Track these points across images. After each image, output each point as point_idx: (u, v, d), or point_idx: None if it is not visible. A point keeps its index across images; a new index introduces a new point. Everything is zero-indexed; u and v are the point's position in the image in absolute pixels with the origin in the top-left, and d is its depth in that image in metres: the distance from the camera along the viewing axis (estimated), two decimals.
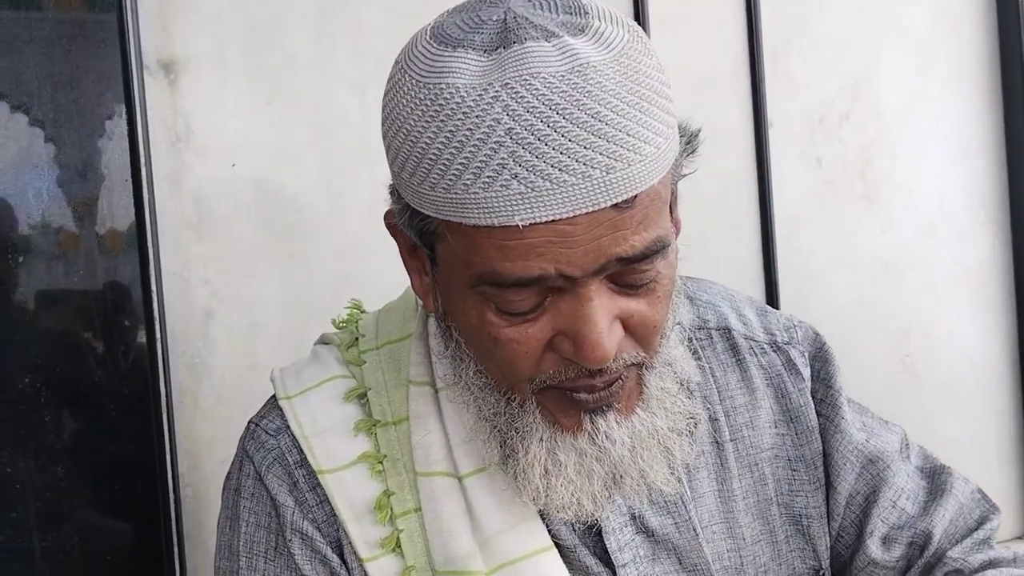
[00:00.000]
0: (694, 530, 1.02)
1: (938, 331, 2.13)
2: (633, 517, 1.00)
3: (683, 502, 1.02)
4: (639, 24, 1.78)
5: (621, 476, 0.92)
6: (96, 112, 1.48)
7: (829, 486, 1.09)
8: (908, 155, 2.11)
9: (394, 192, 0.93)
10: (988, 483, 2.18)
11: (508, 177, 0.80)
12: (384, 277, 1.62)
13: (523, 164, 0.80)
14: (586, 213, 0.81)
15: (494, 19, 0.85)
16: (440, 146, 0.82)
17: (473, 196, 0.81)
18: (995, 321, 2.19)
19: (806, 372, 1.10)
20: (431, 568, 0.96)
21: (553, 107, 0.80)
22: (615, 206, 0.82)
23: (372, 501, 0.97)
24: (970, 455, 2.17)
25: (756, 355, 1.09)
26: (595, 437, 0.90)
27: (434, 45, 0.85)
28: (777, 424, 1.08)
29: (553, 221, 0.81)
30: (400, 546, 0.97)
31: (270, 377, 1.07)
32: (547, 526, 0.97)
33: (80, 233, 1.48)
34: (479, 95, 0.81)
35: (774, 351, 1.10)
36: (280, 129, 1.58)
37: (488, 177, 0.81)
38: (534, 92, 0.80)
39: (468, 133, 0.81)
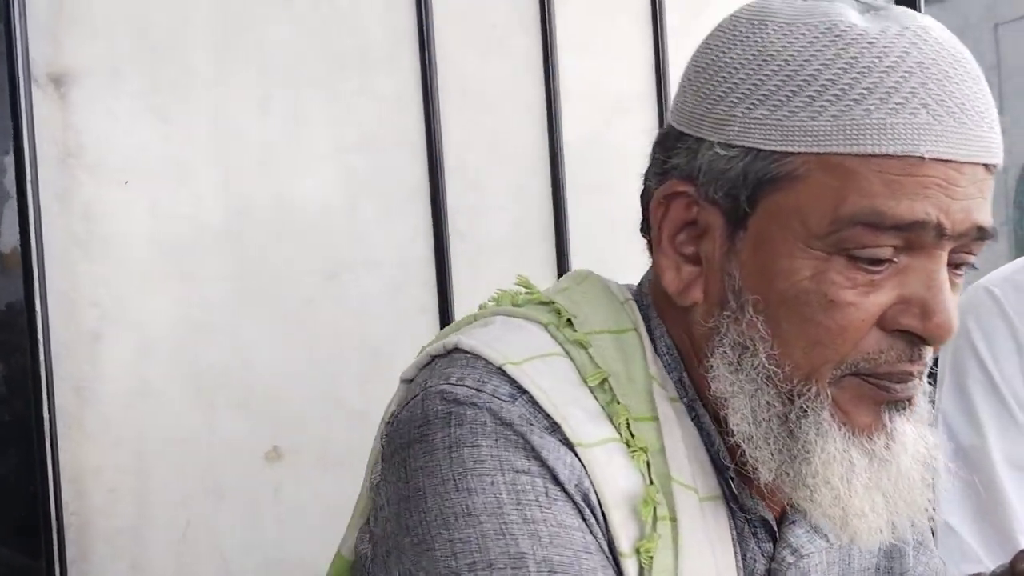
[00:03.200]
0: None
1: None
2: None
3: None
4: (547, 44, 1.79)
5: (899, 493, 0.85)
6: None
7: None
8: None
9: (669, 163, 0.88)
10: None
11: (918, 105, 0.80)
12: (284, 296, 1.60)
13: (933, 96, 0.80)
14: (971, 164, 0.81)
15: None
16: (837, 73, 0.80)
17: (876, 121, 0.79)
18: None
19: None
20: None
21: (951, 55, 0.82)
22: (986, 168, 0.83)
23: (633, 491, 0.84)
24: None
25: None
26: (891, 439, 0.84)
27: (798, 2, 0.86)
28: None
29: (948, 161, 0.80)
30: (651, 556, 0.84)
31: (455, 343, 0.89)
32: None
33: None
34: (882, 30, 0.82)
35: None
36: (176, 145, 1.54)
37: (896, 103, 0.79)
38: (935, 38, 0.82)
39: (875, 60, 0.80)
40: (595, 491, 0.83)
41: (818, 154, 0.81)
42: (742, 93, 0.84)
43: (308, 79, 1.63)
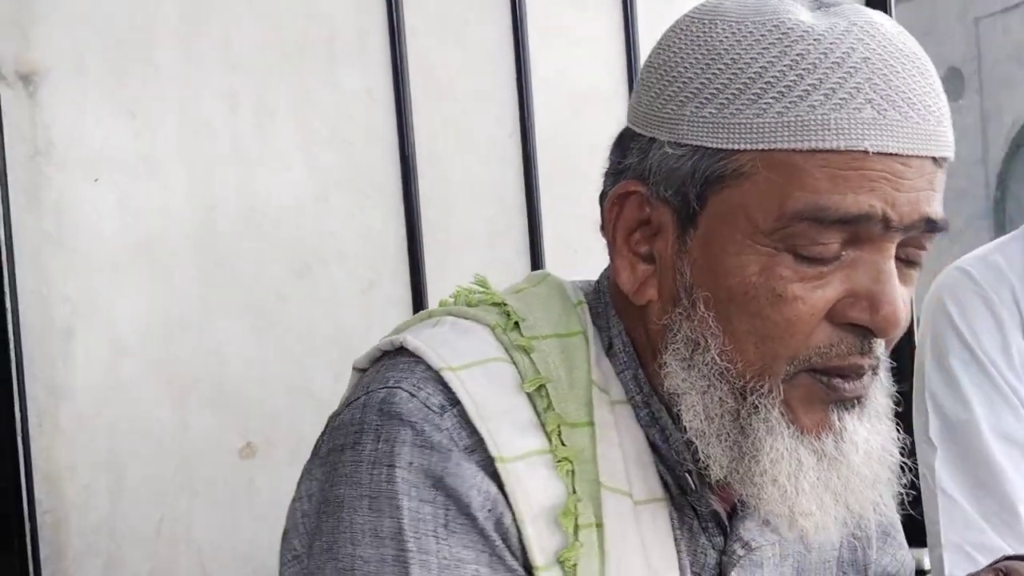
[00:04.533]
0: None
1: None
2: None
3: None
4: (517, 35, 1.79)
5: (850, 491, 0.86)
6: None
7: None
8: None
9: (623, 163, 0.89)
10: None
11: (863, 101, 0.81)
12: (255, 290, 1.60)
13: (879, 91, 0.81)
14: (918, 157, 0.82)
15: None
16: (782, 70, 0.81)
17: (820, 117, 0.80)
18: None
19: None
20: None
21: (899, 50, 0.83)
22: (935, 161, 0.83)
23: (553, 503, 0.85)
24: None
25: None
26: (840, 438, 0.84)
27: (750, 0, 0.86)
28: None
29: (894, 155, 0.81)
30: (575, 564, 0.85)
31: (401, 343, 0.91)
32: None
33: None
34: (829, 27, 0.82)
35: None
36: (145, 140, 1.54)
37: (841, 99, 0.80)
38: (883, 33, 0.83)
39: (821, 56, 0.81)
40: (511, 509, 0.84)
41: (764, 151, 0.82)
42: (691, 92, 0.85)
43: (276, 73, 1.63)
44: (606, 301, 0.95)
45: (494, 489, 0.84)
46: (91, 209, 1.50)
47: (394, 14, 1.70)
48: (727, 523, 0.94)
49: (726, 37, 0.84)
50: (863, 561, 1.07)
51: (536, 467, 0.85)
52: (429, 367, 0.88)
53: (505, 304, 0.94)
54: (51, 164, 1.48)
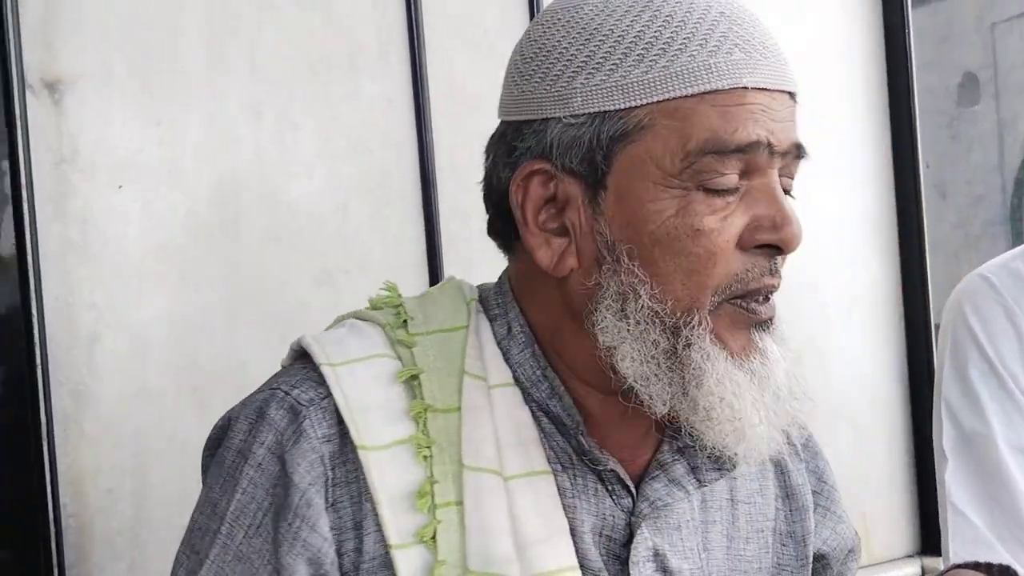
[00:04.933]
0: None
1: (829, 352, 2.18)
2: (656, 553, 1.00)
3: (697, 550, 1.03)
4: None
5: (779, 405, 0.94)
6: None
7: (819, 572, 1.14)
8: (799, 182, 2.15)
9: (518, 150, 0.96)
10: (879, 500, 2.24)
11: (731, 46, 0.92)
12: (278, 298, 1.61)
13: (740, 38, 0.92)
14: (781, 91, 0.93)
15: None
16: (658, 30, 0.92)
17: (702, 63, 0.91)
18: (884, 341, 2.25)
19: (803, 455, 1.15)
20: (463, 566, 0.92)
21: (740, 3, 0.95)
22: (791, 96, 0.95)
23: (413, 487, 0.94)
24: (862, 473, 2.21)
25: None
26: (765, 357, 0.94)
27: None
28: (777, 498, 1.11)
29: (765, 90, 0.92)
30: (435, 538, 0.93)
31: (300, 343, 1.01)
32: (577, 547, 0.96)
33: None
34: None
35: None
36: (170, 149, 1.55)
37: (714, 46, 0.91)
38: None
39: (687, 14, 0.92)
40: (364, 492, 0.93)
41: (658, 102, 0.91)
42: (578, 66, 0.93)
43: (299, 83, 1.65)
44: (506, 291, 1.02)
45: (341, 473, 0.93)
46: (116, 217, 1.52)
47: (414, 24, 1.72)
48: (630, 483, 0.99)
49: (597, 13, 0.94)
50: (801, 532, 1.11)
51: (400, 455, 0.94)
52: (311, 362, 0.98)
53: (401, 305, 1.03)
54: (76, 172, 1.50)
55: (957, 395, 1.50)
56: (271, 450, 0.94)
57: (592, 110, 0.92)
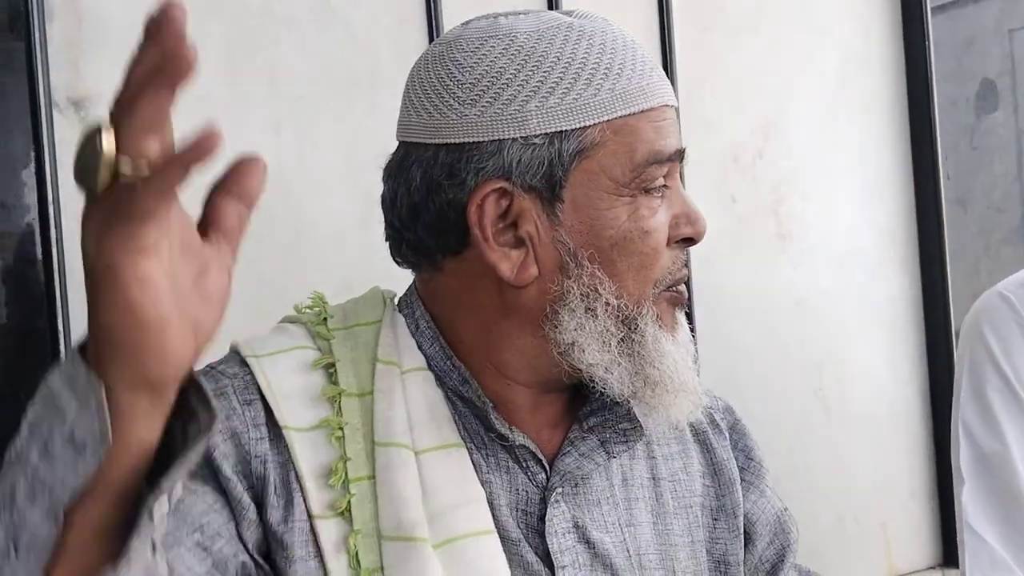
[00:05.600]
0: (628, 551, 1.08)
1: (850, 365, 2.18)
2: (576, 525, 1.06)
3: (620, 525, 1.09)
4: None
5: (697, 372, 1.07)
6: (3, 151, 1.45)
7: (748, 542, 1.19)
8: (820, 193, 2.16)
9: (465, 171, 1.02)
10: (900, 514, 2.23)
11: (649, 69, 1.04)
12: None
13: (646, 63, 1.05)
14: (673, 106, 1.06)
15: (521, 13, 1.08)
16: (596, 57, 1.02)
17: (636, 86, 1.03)
18: (905, 354, 2.24)
19: (727, 433, 1.22)
20: (377, 534, 0.99)
21: (629, 34, 1.06)
22: (676, 112, 1.08)
23: (328, 465, 1.01)
24: (883, 487, 2.21)
25: None
26: (684, 331, 1.08)
27: (520, 16, 1.06)
28: (703, 475, 1.18)
29: (669, 106, 1.05)
30: (350, 510, 0.99)
31: (231, 345, 1.09)
32: (495, 518, 1.03)
33: None
34: (594, 24, 1.04)
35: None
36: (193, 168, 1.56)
37: (640, 70, 1.03)
38: (615, 25, 1.06)
39: (614, 41, 1.03)
40: (294, 467, 1.00)
41: (608, 120, 1.02)
42: (531, 91, 1.01)
43: (320, 100, 1.66)
44: (412, 294, 1.12)
45: (251, 433, 1.00)
46: None
47: (434, 39, 1.72)
48: (543, 457, 1.07)
49: (537, 41, 1.02)
50: (731, 505, 1.18)
51: (317, 437, 1.02)
52: (240, 358, 1.06)
53: (324, 306, 1.13)
54: None
55: (974, 414, 1.49)
56: None
57: (549, 130, 1.01)
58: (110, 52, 1.53)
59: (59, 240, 1.47)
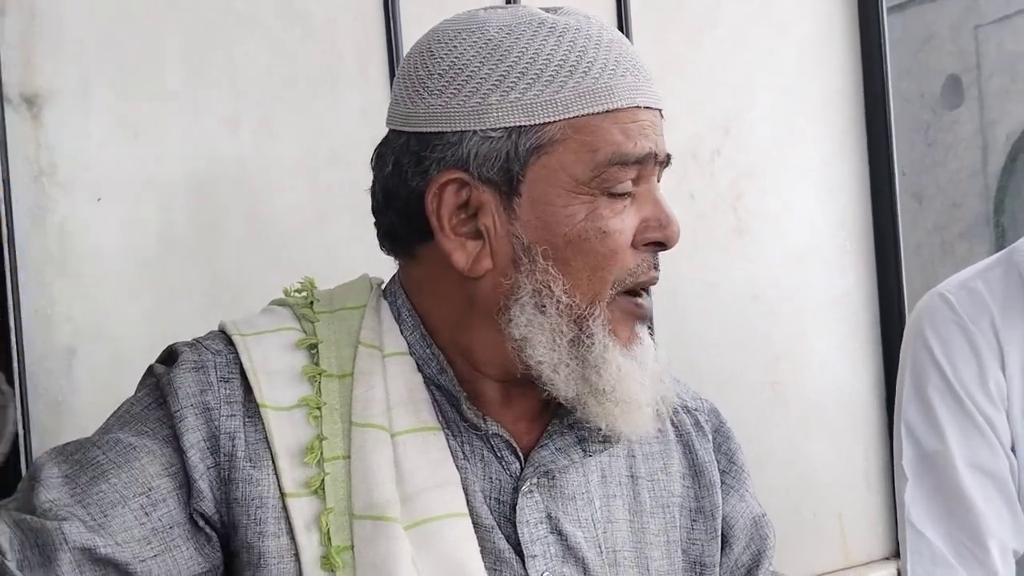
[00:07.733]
0: (600, 547, 1.09)
1: (806, 358, 2.20)
2: (549, 516, 1.07)
3: (594, 521, 1.09)
4: None
5: (655, 387, 1.06)
6: None
7: (725, 545, 1.19)
8: (777, 189, 2.17)
9: (428, 160, 1.02)
10: (856, 504, 2.25)
11: (624, 70, 1.03)
12: (258, 311, 1.61)
13: (628, 63, 1.03)
14: (656, 109, 1.05)
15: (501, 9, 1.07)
16: (564, 55, 1.01)
17: (604, 85, 1.01)
18: (861, 348, 2.27)
19: (711, 435, 1.22)
20: (349, 513, 1.00)
21: (617, 33, 1.06)
22: (660, 113, 1.06)
23: (305, 443, 1.02)
24: (838, 478, 2.23)
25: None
26: (643, 346, 1.06)
27: (497, 10, 1.05)
28: (684, 476, 1.18)
29: (649, 108, 1.04)
30: (323, 488, 1.01)
31: (219, 325, 1.10)
32: (469, 504, 1.03)
33: None
34: (574, 21, 1.03)
35: (684, 412, 1.21)
36: (148, 162, 1.56)
37: (612, 70, 1.02)
38: (602, 23, 1.05)
39: (586, 41, 1.02)
40: (269, 446, 1.01)
41: (570, 119, 1.01)
42: (492, 84, 1.01)
43: (278, 95, 1.65)
44: (395, 283, 1.12)
45: (221, 410, 1.02)
46: (94, 230, 1.52)
47: (393, 36, 1.73)
48: (518, 447, 1.07)
49: (504, 36, 1.02)
50: (710, 507, 1.18)
51: (296, 416, 1.03)
52: (226, 336, 1.07)
53: (313, 291, 1.13)
54: (55, 185, 1.50)
55: (916, 414, 1.51)
56: (168, 389, 1.02)
57: (508, 125, 1.01)
58: (64, 48, 1.51)
59: (11, 236, 1.45)
